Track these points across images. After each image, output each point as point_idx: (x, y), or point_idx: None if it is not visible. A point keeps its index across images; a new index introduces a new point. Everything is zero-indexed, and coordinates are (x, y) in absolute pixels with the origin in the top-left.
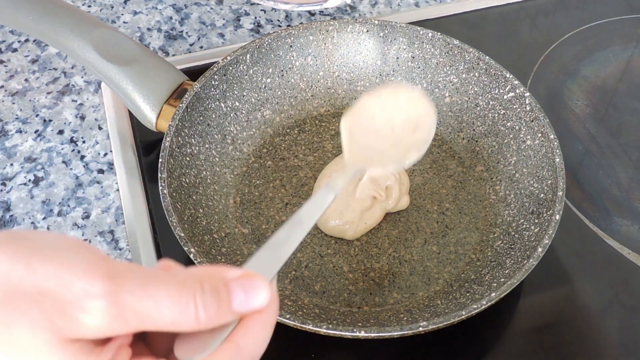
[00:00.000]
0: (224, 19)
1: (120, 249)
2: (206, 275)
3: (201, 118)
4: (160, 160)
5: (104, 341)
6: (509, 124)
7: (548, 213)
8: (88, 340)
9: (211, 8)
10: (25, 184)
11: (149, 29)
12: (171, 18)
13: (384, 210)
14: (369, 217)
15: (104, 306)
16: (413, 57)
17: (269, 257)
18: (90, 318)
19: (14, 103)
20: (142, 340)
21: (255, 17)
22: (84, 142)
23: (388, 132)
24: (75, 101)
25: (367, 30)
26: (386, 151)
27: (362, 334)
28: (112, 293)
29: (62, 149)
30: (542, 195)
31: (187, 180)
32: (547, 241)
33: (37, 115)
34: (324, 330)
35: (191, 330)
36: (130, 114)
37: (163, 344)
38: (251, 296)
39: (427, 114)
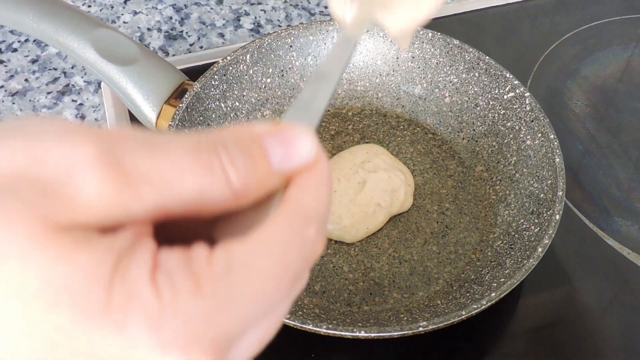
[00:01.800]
0: (224, 19)
1: None
2: (225, 131)
3: (201, 118)
4: None
5: (115, 229)
6: (509, 124)
7: (548, 213)
8: (89, 227)
9: (211, 8)
10: None
11: (149, 29)
12: (171, 18)
13: (388, 216)
14: (371, 223)
15: (100, 172)
16: (413, 57)
17: (301, 112)
18: (84, 192)
19: (14, 103)
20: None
21: (255, 17)
22: None
23: None
24: (75, 101)
25: (367, 30)
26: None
27: (362, 334)
28: (109, 153)
29: None
30: (542, 195)
31: None
32: (547, 241)
33: (37, 116)
34: (324, 330)
35: (227, 203)
36: (130, 114)
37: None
38: (293, 148)
39: None
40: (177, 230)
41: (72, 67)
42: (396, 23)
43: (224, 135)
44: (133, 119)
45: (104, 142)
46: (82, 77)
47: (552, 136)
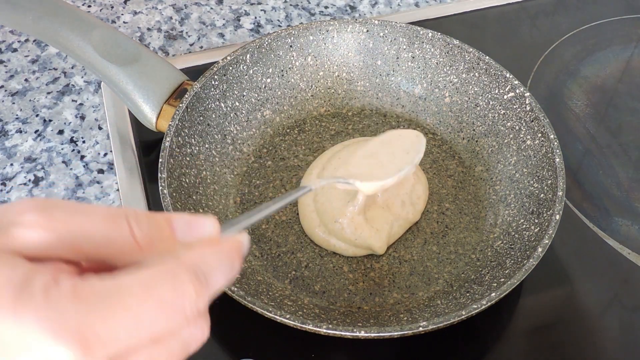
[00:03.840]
0: (224, 19)
1: None
2: (141, 212)
3: (201, 118)
4: (160, 160)
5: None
6: (509, 124)
7: (548, 213)
8: (23, 256)
9: (211, 8)
10: (25, 184)
11: (149, 29)
12: (171, 18)
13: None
14: (395, 235)
15: (35, 217)
16: (413, 57)
17: (225, 227)
18: (22, 230)
19: (14, 103)
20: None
21: (255, 17)
22: (84, 142)
23: (386, 157)
24: (75, 101)
25: (367, 30)
26: (376, 169)
27: (362, 334)
28: (45, 208)
29: (62, 149)
30: (542, 195)
31: (187, 180)
32: (547, 241)
33: (37, 115)
34: (324, 330)
35: (134, 254)
36: (130, 114)
37: None
38: (195, 226)
39: (417, 140)
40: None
41: (72, 67)
42: (372, 188)
43: (138, 212)
44: (133, 119)
45: (45, 201)
46: (82, 77)
47: (552, 136)
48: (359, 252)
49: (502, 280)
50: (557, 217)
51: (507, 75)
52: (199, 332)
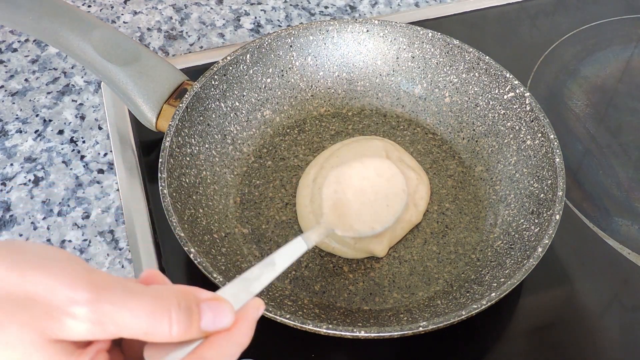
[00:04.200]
0: (224, 19)
1: (120, 249)
2: (182, 293)
3: (201, 118)
4: (160, 160)
5: (85, 344)
6: (509, 124)
7: (548, 213)
8: (70, 342)
9: (211, 8)
10: (25, 184)
11: (149, 29)
12: (171, 18)
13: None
14: (397, 236)
15: (86, 312)
16: (413, 57)
17: (240, 288)
18: (73, 322)
19: (14, 103)
20: (118, 345)
21: (255, 17)
22: (84, 142)
23: (366, 197)
24: (75, 101)
25: (367, 30)
26: (357, 219)
27: (362, 334)
28: (94, 301)
29: (62, 149)
30: (542, 195)
31: (187, 180)
32: (547, 241)
33: (37, 115)
34: (324, 330)
35: (162, 341)
36: (130, 114)
37: (136, 349)
38: (217, 318)
39: (400, 195)
40: (126, 342)
41: (72, 67)
42: (351, 234)
43: (179, 295)
44: (133, 119)
45: (96, 288)
46: (82, 77)
47: (552, 136)
48: (359, 255)
49: (502, 280)
50: (557, 217)
51: (507, 75)
52: None
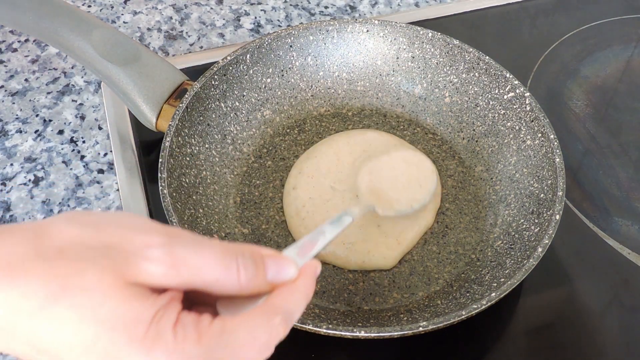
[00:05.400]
0: (224, 19)
1: None
2: (245, 246)
3: (201, 118)
4: (160, 160)
5: (161, 292)
6: (509, 124)
7: (548, 213)
8: (147, 286)
9: (211, 8)
10: (25, 184)
11: (149, 29)
12: (171, 18)
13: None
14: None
15: (161, 254)
16: (413, 57)
17: (296, 252)
18: (149, 265)
19: (14, 103)
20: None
21: (255, 17)
22: (84, 142)
23: (399, 182)
24: (75, 101)
25: (367, 30)
26: (395, 197)
27: (362, 334)
28: (168, 244)
29: (62, 149)
30: (542, 195)
31: (187, 180)
32: (547, 241)
33: (37, 115)
34: (324, 330)
35: (232, 291)
36: (130, 114)
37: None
38: (282, 269)
39: (430, 176)
40: (198, 297)
41: (72, 67)
42: (391, 214)
43: (244, 249)
44: (133, 119)
45: (168, 234)
46: (82, 77)
47: (552, 136)
48: (366, 267)
49: (502, 280)
50: (557, 217)
51: (507, 75)
52: (270, 353)
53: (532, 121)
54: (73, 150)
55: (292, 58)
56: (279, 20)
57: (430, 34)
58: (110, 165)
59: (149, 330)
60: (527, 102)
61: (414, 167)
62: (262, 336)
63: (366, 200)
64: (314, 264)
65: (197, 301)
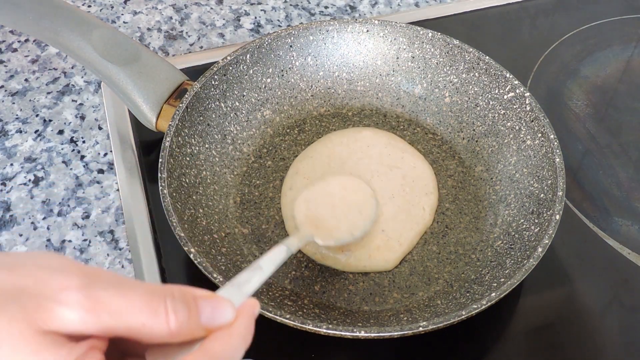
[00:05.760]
0: (224, 19)
1: (120, 249)
2: (175, 287)
3: (201, 118)
4: (160, 160)
5: (78, 339)
6: (509, 124)
7: (548, 213)
8: (62, 334)
9: (211, 8)
10: (25, 184)
11: (149, 29)
12: (171, 18)
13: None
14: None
15: (78, 298)
16: (413, 57)
17: (233, 291)
18: (64, 310)
19: (14, 103)
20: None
21: (255, 17)
22: (84, 142)
23: (338, 209)
24: (75, 101)
25: (367, 30)
26: (334, 225)
27: (362, 334)
28: (86, 286)
29: (62, 149)
30: (542, 195)
31: (187, 180)
32: (547, 241)
33: (37, 115)
34: (324, 330)
35: (162, 337)
36: (130, 114)
37: None
38: (218, 312)
39: (370, 202)
40: (128, 347)
41: (72, 67)
42: (332, 243)
43: (174, 290)
44: (133, 119)
45: (87, 275)
46: (82, 77)
47: (552, 136)
48: (367, 270)
49: (502, 280)
50: (557, 217)
51: (507, 75)
52: None
53: (532, 121)
54: (73, 150)
55: (292, 58)
56: (279, 20)
57: (430, 34)
58: (110, 165)
59: None
60: (527, 102)
61: (352, 193)
62: None
63: (304, 230)
64: (252, 304)
65: (128, 352)
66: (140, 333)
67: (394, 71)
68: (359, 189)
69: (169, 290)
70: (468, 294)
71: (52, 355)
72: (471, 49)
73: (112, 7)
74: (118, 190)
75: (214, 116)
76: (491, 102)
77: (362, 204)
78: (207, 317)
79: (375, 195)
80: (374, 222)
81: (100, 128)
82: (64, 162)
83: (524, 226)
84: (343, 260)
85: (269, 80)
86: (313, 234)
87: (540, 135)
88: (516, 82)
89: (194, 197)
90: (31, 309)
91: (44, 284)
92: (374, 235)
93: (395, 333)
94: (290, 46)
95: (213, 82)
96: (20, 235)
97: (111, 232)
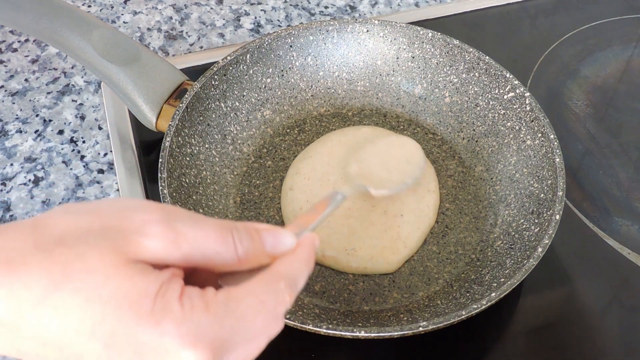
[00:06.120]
0: (224, 19)
1: None
2: (240, 223)
3: (201, 118)
4: (160, 160)
5: (162, 268)
6: (509, 124)
7: (548, 213)
8: (148, 263)
9: (211, 8)
10: (25, 184)
11: (149, 29)
12: (171, 18)
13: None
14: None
15: (160, 230)
16: (413, 57)
17: (294, 228)
18: (149, 241)
19: (14, 103)
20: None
21: (255, 17)
22: (84, 142)
23: (388, 164)
24: (75, 101)
25: (367, 30)
26: (386, 177)
27: (362, 334)
28: (167, 220)
29: (62, 149)
30: (542, 195)
31: (187, 180)
32: (547, 241)
33: (37, 115)
34: (324, 330)
35: (232, 264)
36: (130, 114)
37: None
38: (279, 240)
39: (417, 153)
40: (199, 279)
41: (72, 67)
42: (385, 192)
43: (238, 225)
44: (133, 119)
45: (165, 211)
46: (82, 77)
47: (552, 136)
48: (368, 272)
49: (502, 280)
50: (557, 217)
51: (507, 75)
52: (281, 325)
53: (532, 121)
54: (73, 150)
55: (292, 58)
56: (279, 20)
57: (430, 34)
58: (110, 165)
59: (155, 304)
60: (527, 102)
61: (398, 148)
62: (269, 301)
63: (358, 180)
64: (312, 236)
65: (201, 285)
66: (214, 261)
67: (394, 71)
68: (404, 143)
69: (234, 224)
70: (468, 294)
71: (141, 281)
72: (471, 49)
73: (112, 7)
74: (118, 190)
75: (214, 116)
76: (491, 102)
77: (410, 155)
78: (271, 245)
79: (419, 146)
80: (422, 169)
81: (100, 128)
82: (64, 162)
83: (524, 226)
84: (344, 261)
85: (269, 80)
86: (366, 184)
87: (540, 135)
88: (516, 82)
89: (194, 197)
90: (120, 242)
91: (127, 221)
92: (376, 234)
93: (395, 333)
94: (290, 46)
95: (213, 82)
96: None
97: None
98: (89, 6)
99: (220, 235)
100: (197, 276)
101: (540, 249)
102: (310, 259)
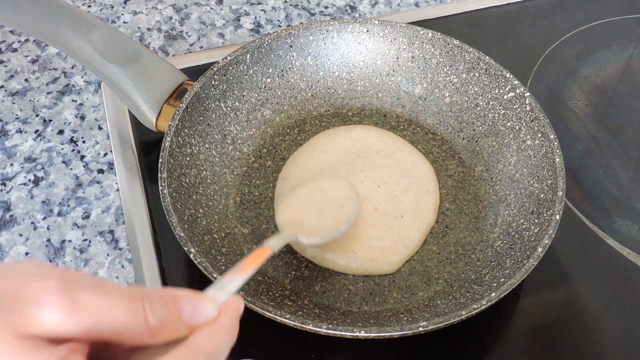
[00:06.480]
0: (224, 19)
1: (120, 249)
2: (152, 289)
3: (201, 118)
4: (160, 160)
5: (60, 343)
6: (509, 124)
7: (548, 213)
8: (44, 338)
9: (211, 8)
10: (25, 184)
11: (149, 29)
12: (171, 18)
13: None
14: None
15: (58, 299)
16: (413, 57)
17: (216, 291)
18: (44, 312)
19: (14, 103)
20: None
21: (255, 17)
22: (84, 142)
23: (320, 210)
24: (75, 101)
25: (367, 30)
26: (318, 224)
27: (362, 334)
28: (66, 288)
29: (62, 149)
30: (542, 195)
31: (187, 180)
32: (547, 241)
33: (37, 115)
34: (324, 330)
35: (143, 337)
36: (130, 114)
37: None
38: (199, 309)
39: (351, 196)
40: (113, 355)
41: (72, 67)
42: (317, 240)
43: (151, 292)
44: (133, 119)
45: (66, 278)
46: (82, 77)
47: (552, 136)
48: (368, 272)
49: (502, 280)
50: (557, 217)
51: (507, 75)
52: None
53: (532, 121)
54: (73, 150)
55: (292, 58)
56: (279, 20)
57: (430, 34)
58: (110, 165)
59: None
60: (527, 102)
61: (331, 192)
62: None
63: (287, 230)
64: (236, 301)
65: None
66: (122, 334)
67: (394, 71)
68: (337, 186)
69: (146, 292)
70: (468, 294)
71: (33, 359)
72: (471, 49)
73: (112, 7)
74: (118, 190)
75: (214, 116)
76: (491, 102)
77: (343, 199)
78: (188, 315)
79: (354, 189)
80: (356, 213)
81: (100, 128)
82: (64, 162)
83: (524, 226)
84: (344, 263)
85: (269, 80)
86: (296, 233)
87: (540, 135)
88: (516, 82)
89: (194, 197)
90: (12, 314)
91: (22, 289)
92: (393, 222)
93: (395, 333)
94: (290, 46)
95: (213, 82)
96: (20, 235)
97: (111, 232)
98: (89, 6)
99: (128, 304)
100: (112, 351)
101: (540, 249)
102: (233, 329)
